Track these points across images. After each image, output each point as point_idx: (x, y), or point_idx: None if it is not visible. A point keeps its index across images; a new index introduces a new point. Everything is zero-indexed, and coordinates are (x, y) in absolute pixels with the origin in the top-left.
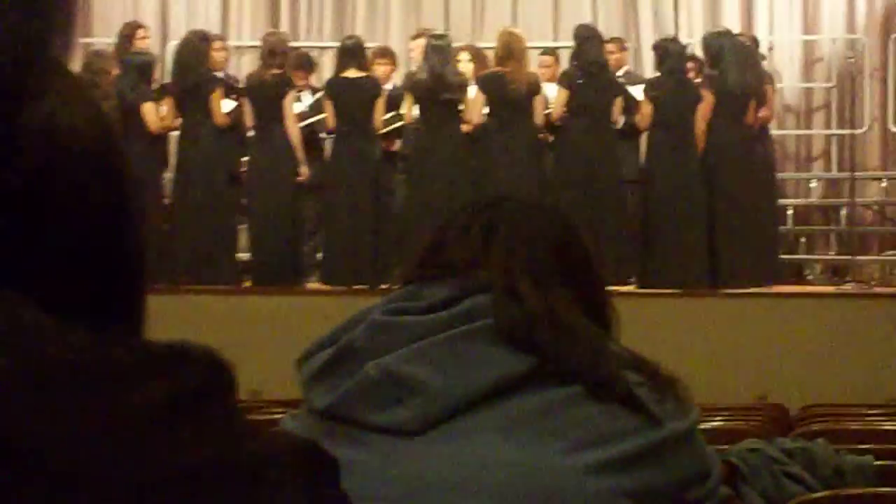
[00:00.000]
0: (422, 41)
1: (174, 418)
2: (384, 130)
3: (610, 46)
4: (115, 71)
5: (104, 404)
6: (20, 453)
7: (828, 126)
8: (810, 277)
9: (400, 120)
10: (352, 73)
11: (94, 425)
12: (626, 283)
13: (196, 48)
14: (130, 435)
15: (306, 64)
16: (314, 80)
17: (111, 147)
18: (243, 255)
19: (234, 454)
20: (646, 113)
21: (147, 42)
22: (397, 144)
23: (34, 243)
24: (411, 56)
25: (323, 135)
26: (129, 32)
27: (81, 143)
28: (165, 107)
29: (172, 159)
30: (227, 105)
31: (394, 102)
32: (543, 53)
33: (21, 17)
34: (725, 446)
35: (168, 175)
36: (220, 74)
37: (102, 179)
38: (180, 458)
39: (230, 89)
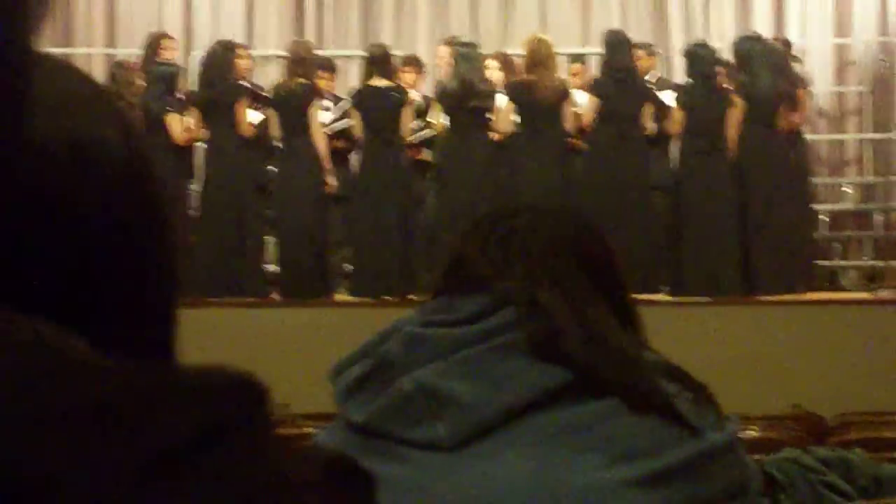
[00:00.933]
0: (449, 49)
1: (208, 447)
2: (411, 139)
3: (639, 52)
4: (140, 82)
5: (134, 438)
6: (45, 497)
7: (861, 130)
8: (845, 284)
9: (428, 128)
10: (378, 82)
11: (123, 461)
12: (657, 292)
13: (222, 58)
14: (162, 469)
15: (328, 66)
16: (337, 89)
17: (141, 160)
18: (271, 267)
19: (270, 481)
20: (676, 119)
21: (173, 53)
22: (424, 153)
23: (61, 264)
24: (438, 64)
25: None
26: (155, 43)
27: (110, 156)
28: (191, 118)
29: (198, 170)
30: (254, 116)
31: (421, 111)
32: (573, 61)
33: None
34: (761, 456)
35: (194, 186)
36: (244, 83)
37: (133, 195)
38: (216, 491)
39: (256, 98)
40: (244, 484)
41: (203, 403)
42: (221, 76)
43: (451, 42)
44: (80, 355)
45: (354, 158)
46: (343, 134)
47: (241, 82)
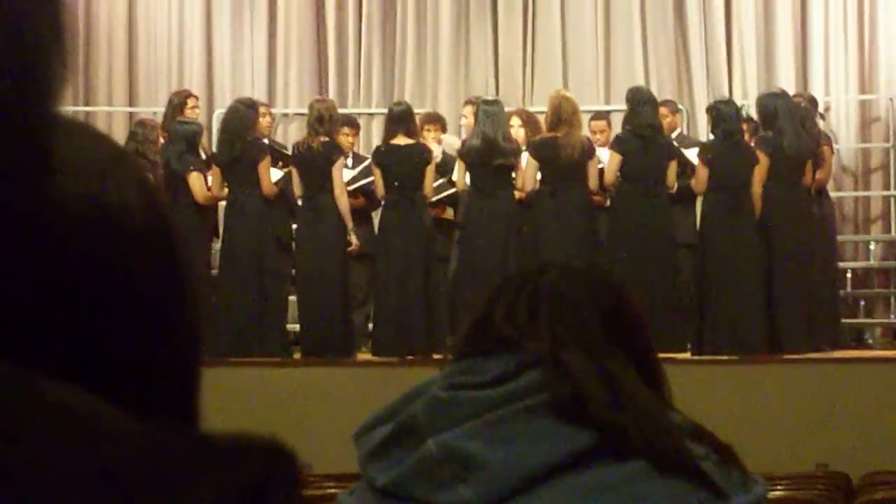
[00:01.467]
0: (472, 107)
1: None
2: (436, 198)
3: (663, 109)
4: (161, 140)
5: (166, 502)
6: None
7: (886, 187)
8: (870, 342)
9: (451, 187)
10: (401, 140)
11: None
12: (682, 350)
13: (244, 116)
14: None
15: (350, 123)
16: (360, 147)
17: (164, 223)
18: (293, 326)
19: None
20: (701, 176)
21: (197, 111)
22: (448, 212)
23: (83, 328)
24: (462, 123)
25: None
26: (180, 102)
27: (133, 220)
28: (212, 176)
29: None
30: (275, 174)
31: (442, 169)
32: (595, 118)
33: (17, 70)
34: None
35: (215, 245)
36: (266, 142)
37: (154, 257)
38: None
39: (277, 156)
40: None
41: (235, 469)
42: (243, 134)
43: (475, 101)
44: (114, 420)
45: (375, 216)
46: (363, 191)
47: (263, 140)
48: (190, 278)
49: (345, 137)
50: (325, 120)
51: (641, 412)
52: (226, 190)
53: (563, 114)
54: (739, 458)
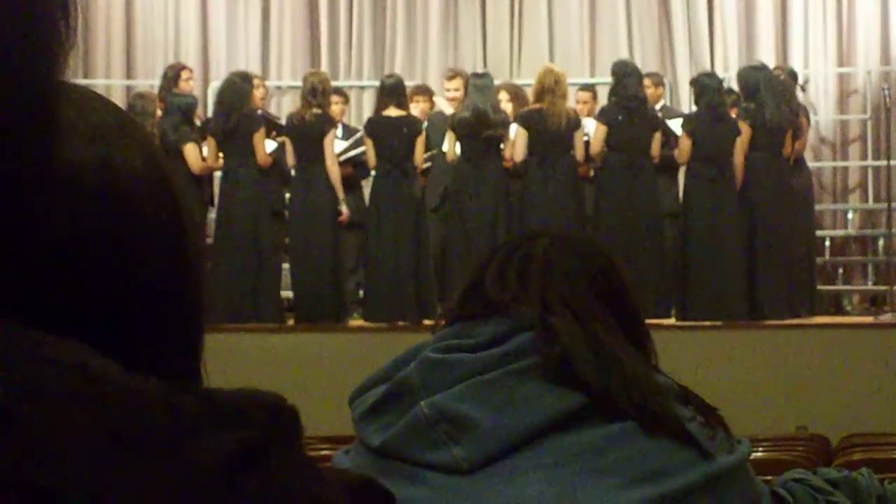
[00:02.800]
0: (456, 83)
1: (244, 470)
2: (425, 166)
3: (647, 81)
4: (159, 112)
5: (176, 459)
6: None
7: (864, 157)
8: (848, 308)
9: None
10: (392, 112)
11: (166, 483)
12: (665, 317)
13: (239, 88)
14: (202, 491)
15: (340, 93)
16: (351, 119)
17: (171, 190)
18: (287, 293)
19: (302, 500)
20: (684, 147)
21: (191, 84)
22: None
23: (92, 290)
24: (446, 97)
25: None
26: (174, 74)
27: (140, 185)
28: (208, 147)
29: (215, 199)
30: (270, 145)
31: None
32: (581, 89)
33: (19, 39)
34: (769, 477)
35: (211, 215)
36: (260, 113)
37: (161, 223)
38: None
39: (272, 128)
40: (283, 495)
41: (240, 425)
42: (239, 106)
43: (459, 75)
44: (121, 379)
45: (364, 186)
46: (353, 161)
47: (258, 112)
48: (194, 243)
49: (335, 106)
50: (318, 92)
51: (628, 374)
52: (221, 160)
53: (546, 84)
54: (724, 420)
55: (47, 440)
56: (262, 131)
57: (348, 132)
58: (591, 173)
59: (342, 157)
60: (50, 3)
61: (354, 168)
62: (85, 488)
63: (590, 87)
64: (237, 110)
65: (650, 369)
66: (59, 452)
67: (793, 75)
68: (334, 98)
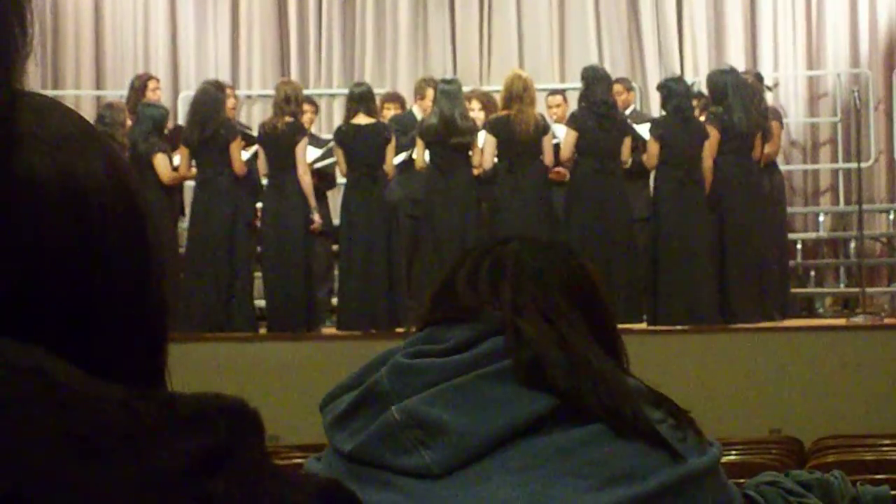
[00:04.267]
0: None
1: (207, 474)
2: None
3: (617, 87)
4: (128, 122)
5: (137, 463)
6: None
7: (834, 160)
8: (820, 311)
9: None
10: (361, 120)
11: (127, 486)
12: (637, 321)
13: (214, 97)
14: (164, 496)
15: (309, 101)
16: (322, 127)
17: (132, 198)
18: (259, 302)
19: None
20: (652, 152)
21: (159, 94)
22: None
23: (55, 298)
24: (416, 105)
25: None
26: (141, 85)
27: (101, 193)
28: (179, 157)
29: (186, 208)
30: (245, 155)
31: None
32: (552, 94)
33: None
34: (741, 480)
35: (182, 225)
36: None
37: (125, 232)
38: None
39: (243, 137)
40: (247, 498)
41: (202, 429)
42: (214, 116)
43: (428, 82)
44: (85, 385)
45: (331, 195)
46: (320, 172)
47: (233, 120)
48: (158, 251)
49: (304, 115)
50: (291, 100)
51: (598, 377)
52: (194, 170)
53: (514, 91)
54: (695, 422)
55: (7, 445)
56: (238, 140)
57: (317, 142)
58: (567, 177)
59: (317, 165)
60: (5, 11)
61: (321, 180)
62: (44, 493)
63: (560, 92)
64: (213, 119)
65: (620, 372)
66: (18, 457)
67: (759, 78)
68: (304, 106)
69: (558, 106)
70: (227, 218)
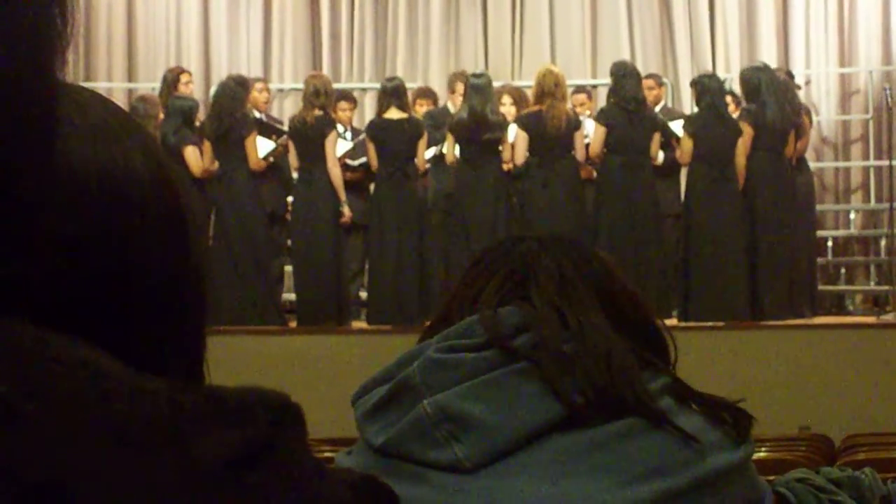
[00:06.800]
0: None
1: (248, 467)
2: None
3: (648, 82)
4: (161, 116)
5: (179, 455)
6: None
7: (866, 157)
8: (851, 308)
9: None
10: (393, 114)
11: (170, 479)
12: (667, 317)
13: (234, 92)
14: (205, 487)
15: (349, 97)
16: (356, 120)
17: (172, 190)
18: (290, 296)
19: (305, 497)
20: (686, 148)
21: (191, 87)
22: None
23: (96, 289)
24: (450, 100)
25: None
26: (174, 78)
27: (140, 185)
28: (204, 151)
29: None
30: (265, 146)
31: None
32: (576, 91)
33: (18, 41)
34: (772, 477)
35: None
36: (262, 116)
37: (163, 223)
38: None
39: (273, 131)
40: (285, 500)
41: (244, 422)
42: (231, 110)
43: (460, 78)
44: (128, 378)
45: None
46: (363, 165)
47: (251, 115)
48: (197, 242)
49: (343, 112)
50: (320, 94)
51: (628, 373)
52: (216, 164)
53: (545, 87)
54: (745, 415)
55: (51, 437)
56: (253, 135)
57: (356, 135)
58: (594, 174)
59: (355, 162)
60: (46, 1)
61: (366, 172)
62: (87, 484)
63: (585, 89)
64: (230, 114)
65: (654, 368)
66: (62, 448)
67: (790, 75)
68: (343, 104)
69: (582, 104)
70: (245, 212)
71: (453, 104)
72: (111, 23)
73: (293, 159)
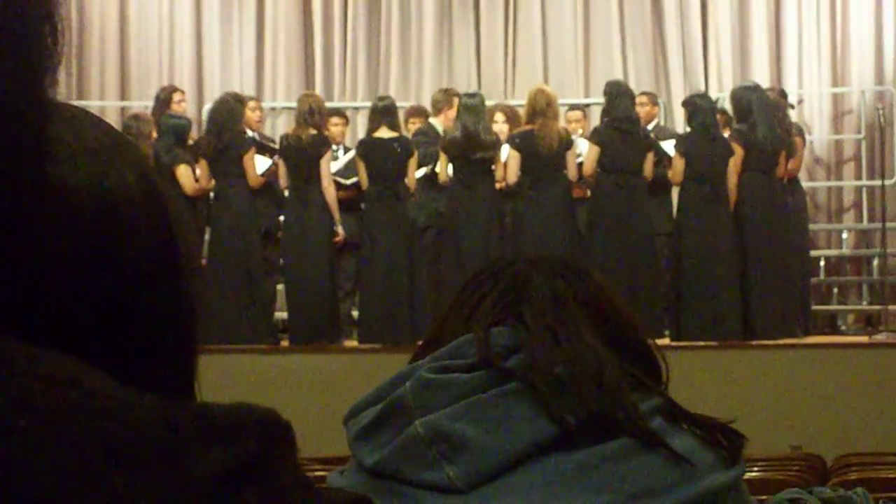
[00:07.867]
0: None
1: (238, 484)
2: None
3: (641, 99)
4: (154, 134)
5: (170, 472)
6: None
7: (858, 177)
8: (843, 328)
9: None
10: (384, 133)
11: (160, 496)
12: (659, 337)
13: (232, 108)
14: (195, 503)
15: (340, 114)
16: (349, 139)
17: (163, 208)
18: (282, 314)
19: None
20: (678, 168)
21: (184, 106)
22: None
23: (87, 307)
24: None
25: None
26: (166, 97)
27: (132, 204)
28: (200, 169)
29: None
30: (262, 164)
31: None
32: (571, 109)
33: (11, 61)
34: (763, 497)
35: (206, 237)
36: (255, 135)
37: (155, 241)
38: None
39: (265, 149)
40: None
41: (234, 439)
42: (230, 127)
43: (451, 95)
44: (117, 394)
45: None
46: (355, 184)
47: (249, 133)
48: (187, 261)
49: (335, 127)
50: (314, 113)
51: (619, 395)
52: (213, 181)
53: (537, 106)
54: (723, 439)
55: (42, 454)
56: (251, 152)
57: (347, 152)
58: (588, 193)
59: (349, 181)
60: (36, 18)
61: (356, 190)
62: (78, 500)
63: (580, 107)
64: (229, 131)
65: (644, 387)
66: (53, 466)
67: (783, 95)
68: (335, 120)
69: (577, 121)
70: (241, 229)
71: (440, 122)
72: (104, 41)
73: (283, 178)
